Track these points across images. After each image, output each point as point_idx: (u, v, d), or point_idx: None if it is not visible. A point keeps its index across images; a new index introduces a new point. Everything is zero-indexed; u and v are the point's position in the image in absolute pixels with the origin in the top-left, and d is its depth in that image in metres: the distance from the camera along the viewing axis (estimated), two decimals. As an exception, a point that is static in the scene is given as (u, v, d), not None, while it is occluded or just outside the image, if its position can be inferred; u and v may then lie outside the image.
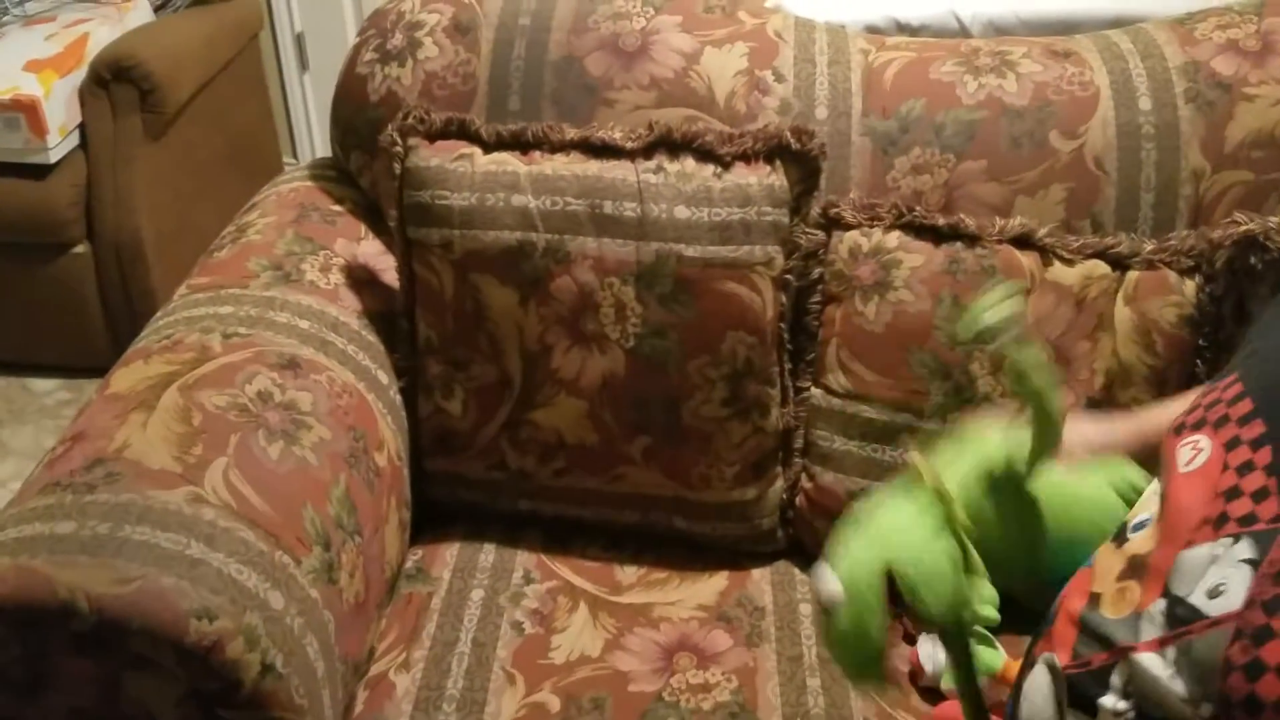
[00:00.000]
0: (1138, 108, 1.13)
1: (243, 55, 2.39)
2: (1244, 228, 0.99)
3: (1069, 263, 1.06)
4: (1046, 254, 1.07)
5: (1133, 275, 1.06)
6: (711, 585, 1.09)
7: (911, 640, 1.04)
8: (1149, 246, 1.06)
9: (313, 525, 0.92)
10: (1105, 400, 1.05)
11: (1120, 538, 0.72)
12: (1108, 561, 0.71)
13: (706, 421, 1.09)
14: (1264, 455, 0.64)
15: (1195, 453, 0.68)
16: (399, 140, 1.12)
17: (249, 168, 2.48)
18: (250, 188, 2.48)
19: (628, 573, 1.11)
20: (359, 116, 1.25)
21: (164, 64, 1.97)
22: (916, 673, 1.00)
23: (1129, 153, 1.12)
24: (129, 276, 2.01)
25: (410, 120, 1.13)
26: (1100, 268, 1.06)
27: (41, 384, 2.12)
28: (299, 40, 2.67)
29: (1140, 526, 0.70)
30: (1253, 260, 0.99)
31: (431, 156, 1.11)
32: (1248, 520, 0.62)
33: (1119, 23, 1.55)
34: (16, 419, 2.04)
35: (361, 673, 1.00)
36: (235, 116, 2.39)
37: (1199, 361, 1.04)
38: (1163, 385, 1.04)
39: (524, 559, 1.12)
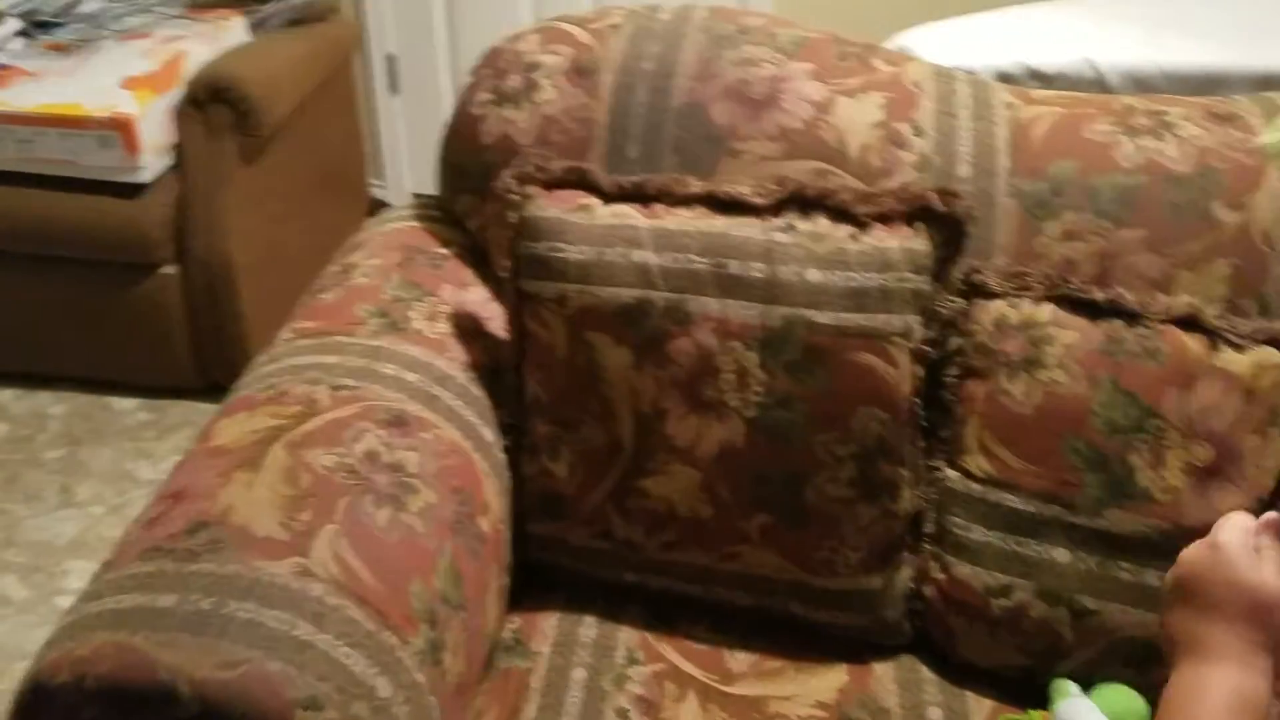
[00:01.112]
0: (1311, 179, 1.04)
1: (335, 76, 2.38)
2: None
3: (1239, 349, 0.97)
4: (1214, 338, 0.98)
5: (1310, 366, 0.97)
6: (829, 680, 1.02)
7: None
8: (1329, 336, 0.97)
9: (419, 601, 0.86)
10: (1276, 502, 0.95)
11: None
12: None
13: (831, 502, 1.01)
14: None
15: None
16: (516, 188, 1.07)
17: (335, 190, 2.47)
18: (336, 210, 2.47)
19: (739, 659, 1.04)
20: (471, 159, 1.20)
21: (262, 87, 1.95)
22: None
23: (1301, 229, 1.03)
24: (217, 298, 2.00)
25: (529, 168, 1.08)
26: (1273, 356, 0.97)
27: (122, 403, 2.10)
28: (390, 62, 2.66)
29: None
30: None
31: (549, 206, 1.06)
32: None
33: (1268, 79, 1.47)
34: (96, 438, 2.02)
35: (458, 755, 0.93)
36: (325, 138, 2.38)
37: (1385, 465, 0.94)
38: (1344, 489, 0.95)
39: (627, 636, 1.06)
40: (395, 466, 0.94)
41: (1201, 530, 0.95)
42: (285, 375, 1.01)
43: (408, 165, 2.79)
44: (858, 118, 1.13)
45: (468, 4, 2.57)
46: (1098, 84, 1.45)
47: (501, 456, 1.08)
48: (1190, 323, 0.99)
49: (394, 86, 2.69)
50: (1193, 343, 0.98)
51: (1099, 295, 1.00)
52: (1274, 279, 1.03)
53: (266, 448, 0.91)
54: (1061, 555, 0.98)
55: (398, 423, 0.98)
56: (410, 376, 1.04)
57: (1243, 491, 0.96)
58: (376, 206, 2.79)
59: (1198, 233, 1.04)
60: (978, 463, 1.02)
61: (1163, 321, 0.99)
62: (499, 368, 1.11)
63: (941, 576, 1.03)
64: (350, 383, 1.00)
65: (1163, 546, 0.96)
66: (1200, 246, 1.04)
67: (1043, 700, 0.98)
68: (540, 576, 1.11)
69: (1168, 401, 0.97)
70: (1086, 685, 0.97)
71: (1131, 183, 1.06)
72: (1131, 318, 0.99)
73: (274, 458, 0.90)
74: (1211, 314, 0.99)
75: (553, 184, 1.08)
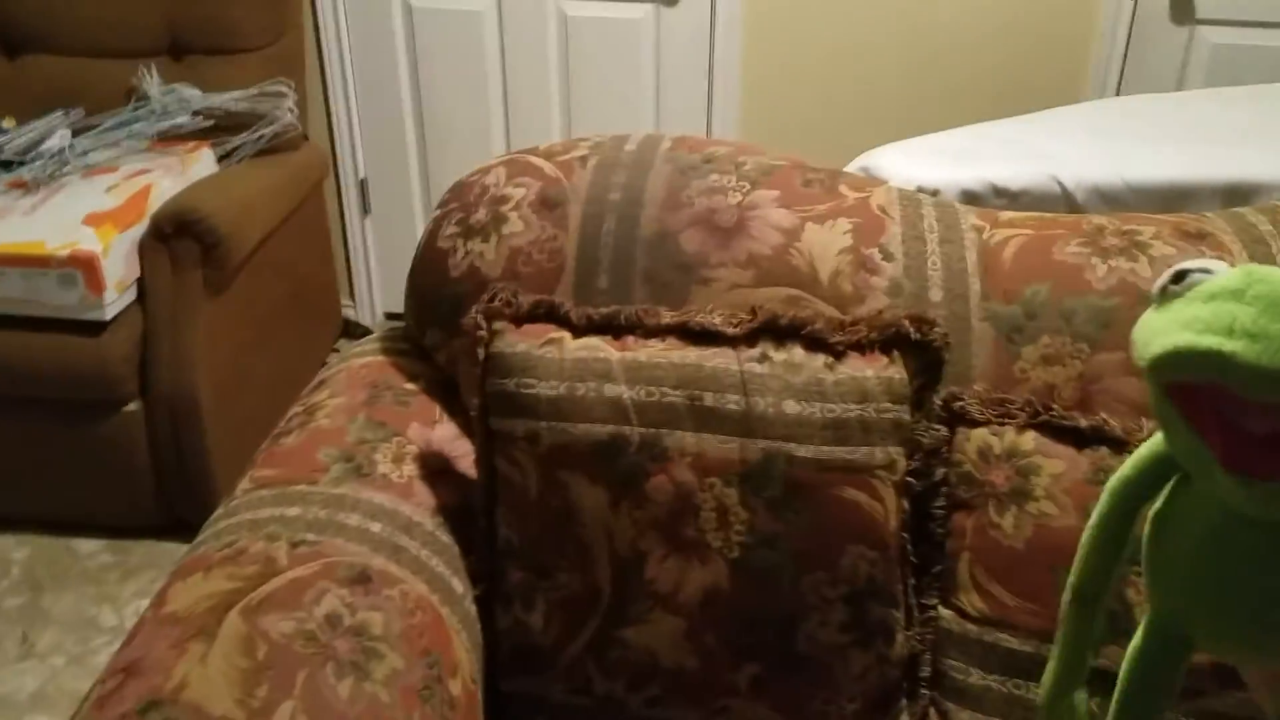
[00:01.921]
0: (1288, 295, 1.03)
1: (306, 203, 2.38)
2: None
3: (1230, 472, 0.95)
4: (1204, 462, 0.95)
5: (1304, 488, 0.94)
6: (829, 838, 0.96)
7: None
8: (1321, 455, 0.95)
9: (385, 779, 0.80)
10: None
11: None
12: None
13: (823, 648, 0.97)
14: None
15: None
16: (484, 324, 1.04)
17: (307, 314, 2.45)
18: (308, 335, 2.45)
19: (730, 818, 0.98)
20: (438, 292, 1.18)
21: (228, 218, 1.94)
22: None
23: (1283, 345, 1.02)
24: (182, 435, 1.95)
25: (496, 302, 1.05)
26: (1266, 478, 0.94)
27: (86, 545, 2.03)
28: (362, 186, 2.67)
29: None
30: None
31: (518, 341, 1.03)
32: None
33: (1234, 189, 1.48)
34: (58, 583, 1.94)
35: None
36: (296, 264, 2.37)
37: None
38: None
39: (612, 798, 0.99)
40: (358, 630, 0.88)
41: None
42: (243, 531, 0.97)
43: (379, 287, 2.78)
44: (827, 244, 1.12)
45: (438, 128, 2.60)
46: (1063, 199, 1.46)
47: (472, 608, 1.03)
48: (1178, 447, 0.96)
49: (366, 209, 2.70)
50: (1182, 468, 0.95)
51: (1083, 422, 0.98)
52: (1258, 397, 1.01)
53: (222, 615, 0.86)
54: (1064, 698, 0.93)
55: (360, 580, 0.93)
56: (374, 526, 1.00)
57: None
58: (349, 327, 2.77)
59: (1178, 352, 1.02)
60: (971, 601, 0.98)
61: (1150, 447, 0.96)
62: (468, 509, 1.07)
63: (940, 723, 0.98)
64: (311, 537, 0.95)
65: (1169, 684, 0.92)
66: (1181, 366, 1.02)
67: None
68: (517, 734, 1.05)
69: (1162, 530, 0.93)
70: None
71: (1106, 304, 1.05)
72: (1118, 445, 0.97)
73: (229, 626, 0.85)
74: (1199, 437, 0.96)
75: (521, 318, 1.06)
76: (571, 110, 2.57)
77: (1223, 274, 0.62)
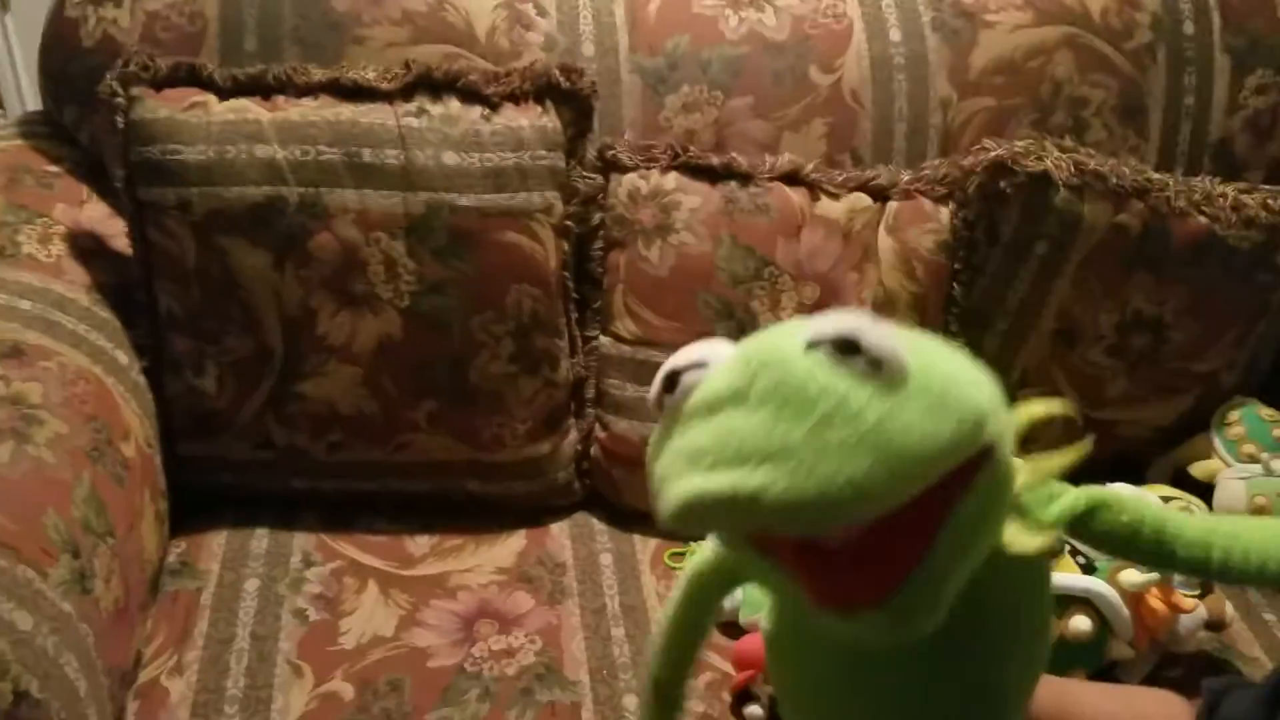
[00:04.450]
0: (888, 39, 1.16)
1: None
2: (993, 154, 1.04)
3: (834, 197, 1.09)
4: (814, 189, 1.09)
5: (893, 206, 1.09)
6: (509, 546, 1.06)
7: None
8: (906, 177, 1.10)
9: (57, 532, 0.81)
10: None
11: None
12: None
13: (495, 379, 1.04)
14: None
15: None
16: (120, 90, 0.99)
17: (-66, 122, 2.17)
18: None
19: (419, 543, 1.06)
20: (71, 65, 1.10)
21: None
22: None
23: (882, 85, 1.15)
24: None
25: (132, 67, 1.00)
26: (863, 200, 1.09)
27: None
28: (-13, -25, 2.34)
29: None
30: (1002, 184, 1.04)
31: (159, 107, 1.00)
32: None
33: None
34: None
35: (129, 682, 0.90)
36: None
37: (955, 285, 1.09)
38: (924, 310, 1.08)
39: (302, 541, 1.05)
40: (15, 399, 0.86)
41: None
42: None
43: (29, 89, 2.49)
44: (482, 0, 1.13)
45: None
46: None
47: (140, 379, 1.02)
48: (793, 178, 1.08)
49: (4, 4, 2.38)
50: (796, 196, 1.08)
51: (715, 161, 1.08)
52: (862, 132, 1.15)
53: None
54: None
55: (13, 354, 0.90)
56: (24, 304, 0.96)
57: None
58: None
59: (797, 96, 1.14)
60: (625, 326, 1.08)
61: (770, 180, 1.08)
62: (126, 286, 1.05)
63: (604, 435, 1.09)
64: (-50, 318, 0.90)
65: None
66: (800, 109, 1.14)
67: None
68: (205, 500, 1.07)
69: (779, 250, 1.06)
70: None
71: (737, 53, 1.14)
72: (744, 179, 1.08)
73: None
74: (809, 169, 1.09)
75: (161, 83, 1.01)
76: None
77: (720, 365, 0.49)
